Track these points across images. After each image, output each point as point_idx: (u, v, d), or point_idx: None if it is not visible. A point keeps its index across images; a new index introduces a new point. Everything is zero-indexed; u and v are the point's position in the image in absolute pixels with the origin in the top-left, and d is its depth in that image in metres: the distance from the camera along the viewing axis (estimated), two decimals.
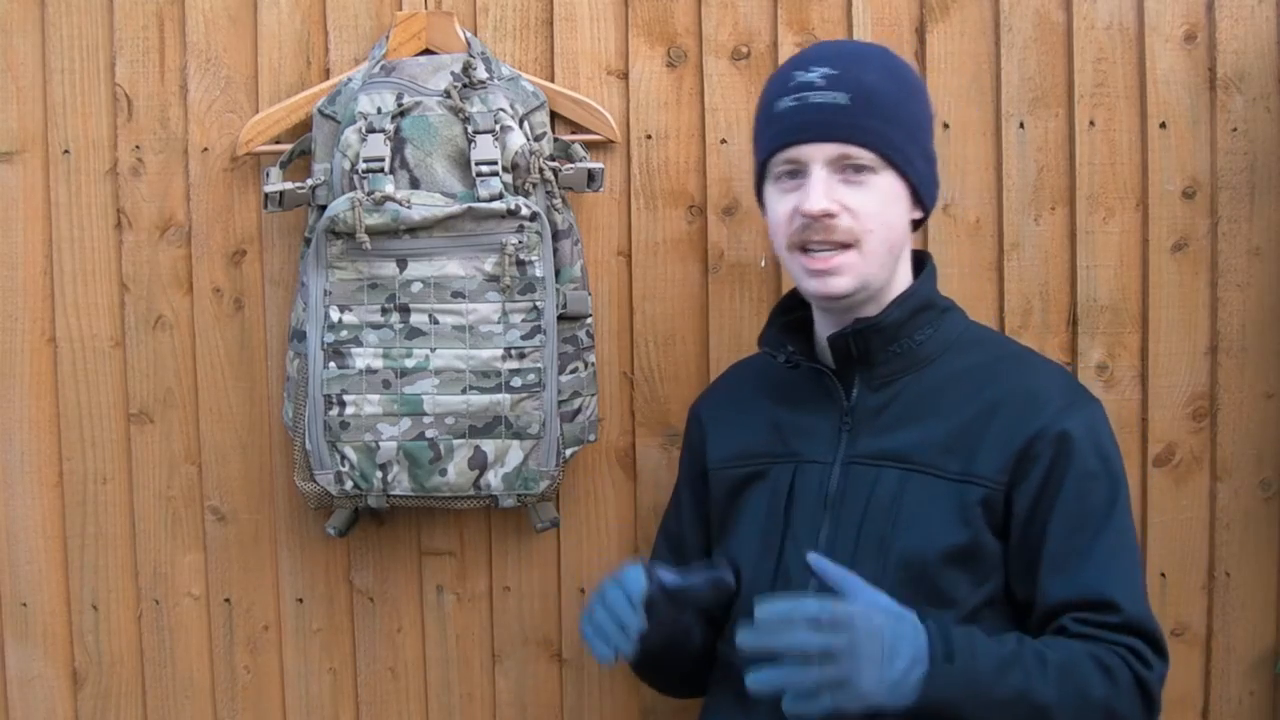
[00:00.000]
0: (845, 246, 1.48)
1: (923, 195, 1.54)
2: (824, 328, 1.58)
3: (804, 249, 1.50)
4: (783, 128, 1.50)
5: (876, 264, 1.50)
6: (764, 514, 1.57)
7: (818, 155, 1.47)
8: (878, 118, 1.47)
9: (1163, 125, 1.89)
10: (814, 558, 1.42)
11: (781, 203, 1.51)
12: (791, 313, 1.65)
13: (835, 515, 1.51)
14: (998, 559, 1.47)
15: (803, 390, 1.59)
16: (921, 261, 1.61)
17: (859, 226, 1.47)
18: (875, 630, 1.30)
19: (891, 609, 1.36)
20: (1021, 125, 1.89)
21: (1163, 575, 1.92)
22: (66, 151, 1.90)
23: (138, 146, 1.90)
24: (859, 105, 1.47)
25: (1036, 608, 1.45)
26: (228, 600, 1.95)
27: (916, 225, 1.57)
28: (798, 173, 1.50)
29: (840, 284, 1.49)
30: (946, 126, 1.88)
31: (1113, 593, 1.42)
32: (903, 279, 1.56)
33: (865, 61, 1.52)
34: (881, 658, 1.29)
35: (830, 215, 1.46)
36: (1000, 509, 1.47)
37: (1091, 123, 1.89)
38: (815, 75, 1.48)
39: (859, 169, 1.47)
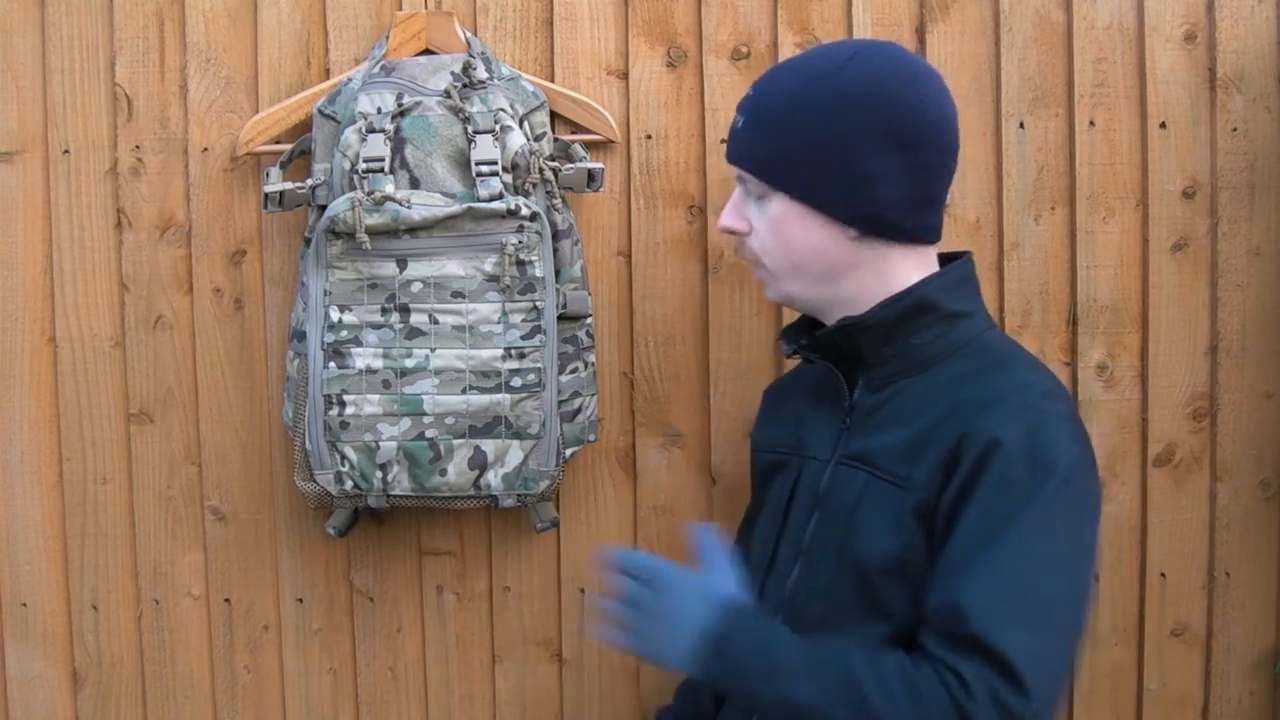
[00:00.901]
0: (760, 264, 1.53)
1: (838, 214, 1.46)
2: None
3: None
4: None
5: (789, 280, 1.51)
6: (773, 506, 1.60)
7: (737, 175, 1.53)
8: (763, 139, 1.47)
9: (1163, 125, 1.89)
10: (694, 529, 1.48)
11: None
12: None
13: (821, 514, 1.52)
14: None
15: (821, 387, 1.60)
16: (957, 268, 1.54)
17: (758, 245, 1.52)
18: (675, 600, 1.39)
19: (706, 585, 1.41)
20: (1021, 125, 1.89)
21: (1163, 575, 1.92)
22: (66, 151, 1.90)
23: (138, 146, 1.90)
24: (750, 127, 1.49)
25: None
26: (228, 600, 1.95)
27: (896, 236, 1.48)
28: None
29: (770, 294, 1.56)
30: None
31: (966, 601, 1.29)
32: (893, 286, 1.49)
33: (781, 81, 1.50)
34: (672, 624, 1.38)
35: (732, 232, 1.53)
36: (931, 517, 1.39)
37: (1091, 123, 1.89)
38: (748, 94, 1.53)
39: (757, 190, 1.50)
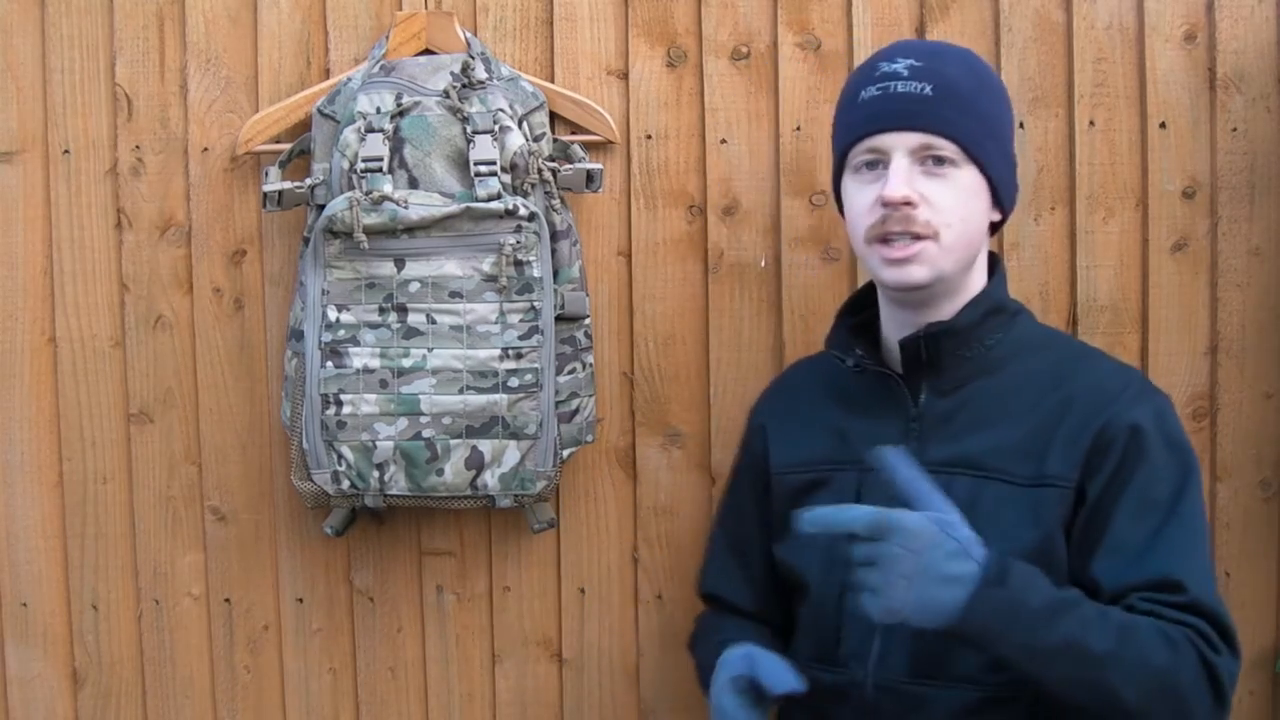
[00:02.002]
0: (922, 238, 1.46)
1: (1002, 196, 1.52)
2: (893, 330, 1.56)
3: (883, 240, 1.47)
4: (866, 115, 1.49)
5: (953, 258, 1.48)
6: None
7: (899, 144, 1.46)
8: (960, 110, 1.47)
9: (1163, 125, 1.89)
10: (886, 453, 1.36)
11: (861, 194, 1.50)
12: (858, 313, 1.63)
13: None
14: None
15: (868, 395, 1.56)
16: (993, 265, 1.58)
17: (937, 219, 1.46)
18: (916, 548, 1.28)
19: (948, 527, 1.30)
20: (1021, 125, 1.88)
21: None
22: (66, 151, 1.90)
23: (138, 146, 1.90)
24: (942, 96, 1.46)
25: (1101, 592, 1.40)
26: (228, 600, 1.95)
27: (994, 228, 1.56)
28: (878, 163, 1.48)
29: (918, 273, 1.46)
30: None
31: (1179, 575, 1.38)
32: (977, 281, 1.54)
33: (950, 58, 1.52)
34: (916, 575, 1.28)
35: (910, 204, 1.45)
36: (1072, 506, 1.44)
37: (1091, 123, 1.89)
38: (900, 66, 1.48)
39: (940, 160, 1.46)
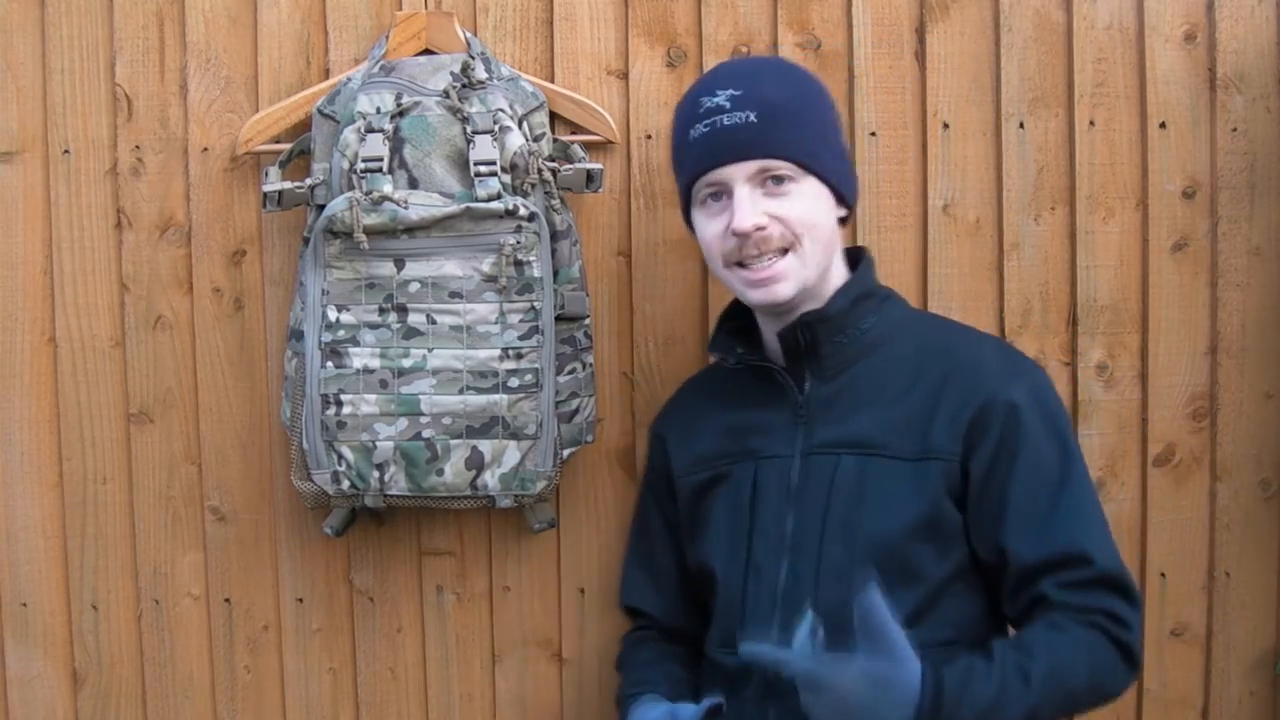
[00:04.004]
0: (784, 252, 1.54)
1: (843, 193, 1.60)
2: (769, 328, 1.64)
3: (741, 264, 1.56)
4: (700, 154, 1.56)
5: (813, 265, 1.56)
6: (730, 513, 1.62)
7: (738, 174, 1.54)
8: (787, 129, 1.53)
9: (1163, 125, 1.89)
10: (864, 601, 1.35)
11: (711, 225, 1.58)
12: (737, 319, 1.70)
13: (799, 506, 1.56)
14: (959, 529, 1.52)
15: (755, 390, 1.64)
16: (857, 257, 1.66)
17: (791, 233, 1.54)
18: (846, 705, 1.33)
19: (880, 679, 1.34)
20: (1021, 125, 1.89)
21: (1163, 575, 1.92)
22: (66, 151, 1.90)
23: (138, 146, 1.90)
24: (767, 121, 1.53)
25: (1010, 569, 1.49)
26: (228, 600, 1.95)
27: (844, 221, 1.63)
28: (721, 193, 1.56)
29: (783, 289, 1.55)
30: (946, 126, 1.89)
31: (1084, 545, 1.47)
32: (838, 275, 1.62)
33: (764, 76, 1.58)
34: (852, 714, 1.33)
35: (760, 229, 1.53)
36: (958, 479, 1.52)
37: (1091, 123, 1.89)
38: (721, 98, 1.54)
39: (779, 180, 1.54)
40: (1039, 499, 1.49)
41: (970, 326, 1.72)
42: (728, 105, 1.53)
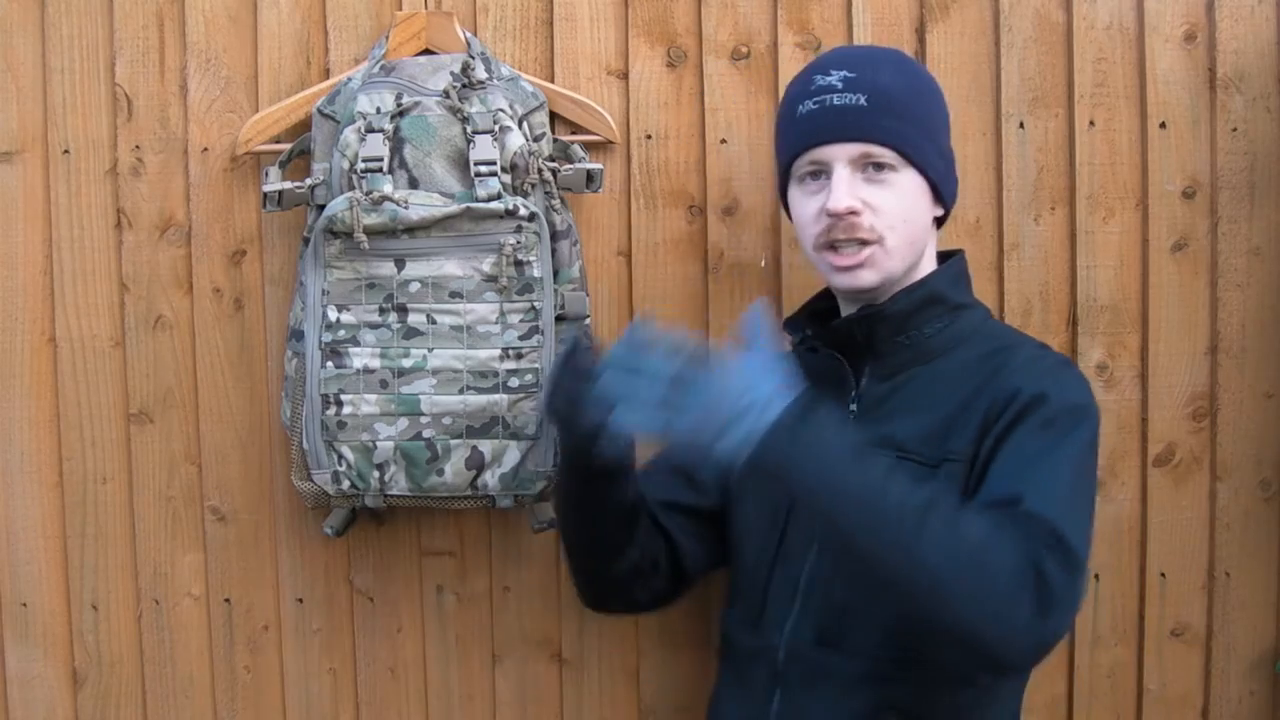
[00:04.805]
0: (868, 243, 1.52)
1: (942, 192, 1.58)
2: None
3: (831, 247, 1.54)
4: (805, 130, 1.55)
5: (899, 259, 1.54)
6: (772, 492, 1.59)
7: (840, 155, 1.52)
8: (895, 117, 1.52)
9: (1163, 125, 1.89)
10: (754, 307, 1.40)
11: (807, 204, 1.57)
12: (825, 301, 1.69)
13: None
14: None
15: (819, 375, 1.59)
16: (950, 259, 1.63)
17: (881, 223, 1.52)
18: (713, 404, 1.32)
19: (753, 383, 1.33)
20: (1021, 125, 1.89)
21: (1163, 575, 1.92)
22: (66, 151, 1.90)
23: (138, 146, 1.90)
24: (877, 105, 1.52)
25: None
26: (228, 600, 1.95)
27: (939, 223, 1.62)
28: (820, 173, 1.55)
29: (867, 277, 1.53)
30: None
31: (1025, 491, 1.36)
32: (925, 272, 1.59)
33: (881, 64, 1.57)
34: (711, 427, 1.32)
35: (854, 213, 1.51)
36: (966, 477, 1.46)
37: (1091, 123, 1.89)
38: (834, 78, 1.54)
39: (880, 167, 1.52)
40: (1016, 461, 1.41)
41: (1031, 338, 1.63)
42: (840, 85, 1.53)
